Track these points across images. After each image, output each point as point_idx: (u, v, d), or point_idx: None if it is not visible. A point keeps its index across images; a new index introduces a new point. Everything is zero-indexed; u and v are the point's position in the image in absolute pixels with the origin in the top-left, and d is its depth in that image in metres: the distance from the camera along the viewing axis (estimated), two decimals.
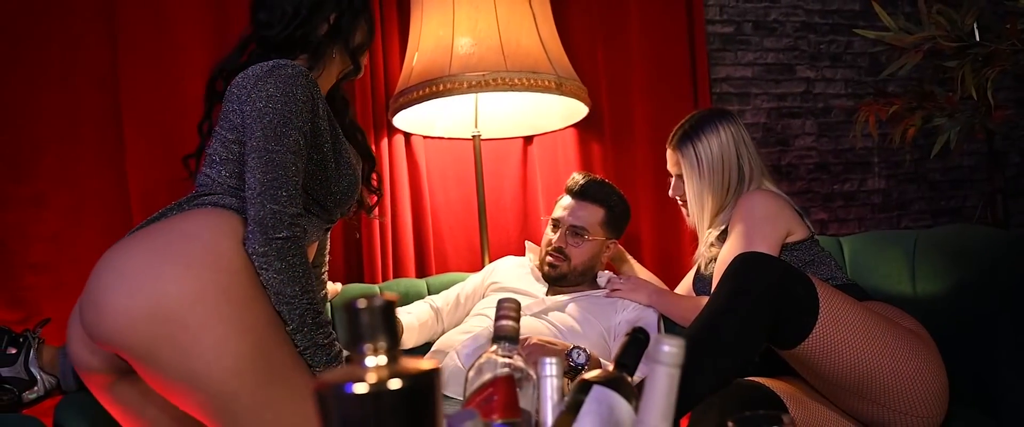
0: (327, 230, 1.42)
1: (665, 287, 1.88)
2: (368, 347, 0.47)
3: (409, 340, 1.79)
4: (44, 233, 1.90)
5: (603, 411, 0.75)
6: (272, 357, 1.10)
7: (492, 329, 1.61)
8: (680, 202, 1.77)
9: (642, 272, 1.99)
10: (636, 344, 0.86)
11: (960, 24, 1.77)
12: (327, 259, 1.63)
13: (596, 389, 0.77)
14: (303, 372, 1.15)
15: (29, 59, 1.91)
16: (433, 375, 0.47)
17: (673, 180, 1.76)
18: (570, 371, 1.47)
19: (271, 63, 1.20)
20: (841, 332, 1.29)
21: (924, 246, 1.71)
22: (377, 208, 1.62)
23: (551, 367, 0.84)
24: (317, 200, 1.28)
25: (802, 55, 2.71)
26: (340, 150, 1.30)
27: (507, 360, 0.85)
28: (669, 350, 0.67)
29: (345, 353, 1.20)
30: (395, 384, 0.45)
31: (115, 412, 1.23)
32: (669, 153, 1.74)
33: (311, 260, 1.41)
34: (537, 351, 1.47)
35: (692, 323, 1.35)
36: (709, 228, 1.68)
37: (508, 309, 0.88)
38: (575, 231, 1.76)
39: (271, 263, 1.11)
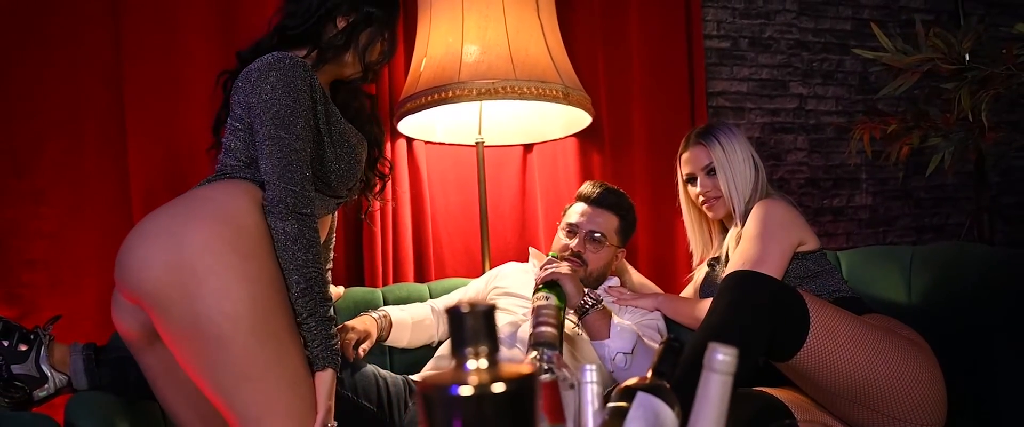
0: (337, 206, 1.48)
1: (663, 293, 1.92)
2: (470, 351, 0.49)
3: (402, 338, 1.79)
4: (43, 229, 1.88)
5: (649, 417, 0.77)
6: (269, 316, 1.16)
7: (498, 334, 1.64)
8: (705, 203, 1.78)
9: (640, 281, 2.02)
10: (672, 352, 0.88)
11: (958, 48, 1.83)
12: (332, 257, 1.63)
13: (641, 395, 0.79)
14: (296, 342, 1.21)
15: (33, 54, 1.89)
16: (532, 379, 0.48)
17: (699, 179, 1.78)
18: (586, 304, 1.53)
19: (269, 57, 1.27)
20: (833, 342, 1.32)
21: (920, 262, 1.76)
22: (381, 196, 1.68)
23: (591, 373, 0.86)
24: (321, 178, 1.35)
25: (795, 72, 2.77)
26: (335, 132, 1.36)
27: (548, 365, 0.87)
28: (723, 358, 0.69)
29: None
30: (499, 387, 0.47)
31: (148, 376, 1.31)
32: (690, 152, 1.78)
33: (322, 240, 1.46)
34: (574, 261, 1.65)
35: (694, 336, 1.37)
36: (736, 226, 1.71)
37: (548, 316, 0.89)
38: (593, 237, 1.78)
39: (288, 232, 1.19)
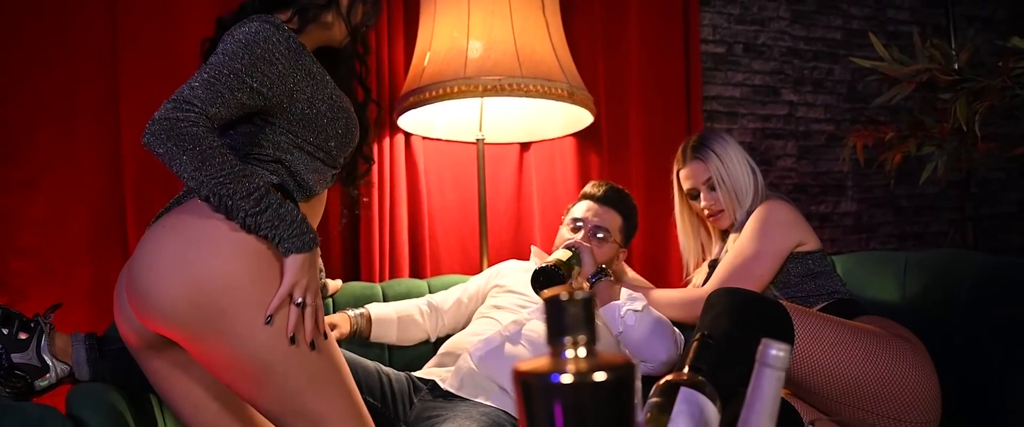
0: (333, 179, 1.39)
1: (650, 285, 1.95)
2: (568, 340, 0.48)
3: (388, 335, 1.79)
4: (34, 216, 1.83)
5: (694, 411, 0.77)
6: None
7: (502, 331, 1.64)
8: (710, 216, 1.81)
9: (639, 283, 2.03)
10: (706, 348, 0.89)
11: (954, 59, 1.88)
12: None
13: (684, 391, 0.79)
14: (330, 344, 1.19)
15: (26, 38, 1.84)
16: (631, 369, 0.48)
17: (702, 193, 1.80)
18: (597, 274, 1.71)
19: (244, 20, 1.20)
20: (818, 347, 1.34)
21: (914, 267, 1.79)
22: (367, 180, 1.63)
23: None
24: (318, 146, 1.27)
25: (787, 79, 2.81)
26: (325, 96, 1.27)
27: None
28: (776, 354, 0.69)
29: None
30: (600, 376, 0.47)
31: (152, 379, 1.26)
32: (689, 168, 1.80)
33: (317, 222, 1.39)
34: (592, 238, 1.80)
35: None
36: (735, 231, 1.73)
37: None
38: (598, 232, 1.80)
39: (158, 145, 1.05)
